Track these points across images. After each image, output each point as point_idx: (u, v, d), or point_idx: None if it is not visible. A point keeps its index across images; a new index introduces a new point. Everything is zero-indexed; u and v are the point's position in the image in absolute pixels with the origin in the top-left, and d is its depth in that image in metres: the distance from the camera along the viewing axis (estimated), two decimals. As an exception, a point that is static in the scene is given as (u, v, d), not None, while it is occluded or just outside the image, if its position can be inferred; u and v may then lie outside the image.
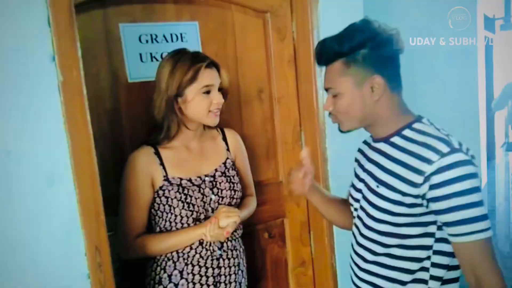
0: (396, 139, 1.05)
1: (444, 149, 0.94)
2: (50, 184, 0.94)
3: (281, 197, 1.86)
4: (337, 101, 1.05)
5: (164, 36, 1.55)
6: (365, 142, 1.24)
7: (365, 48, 1.00)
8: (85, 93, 0.95)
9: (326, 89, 1.09)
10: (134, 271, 1.37)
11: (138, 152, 1.25)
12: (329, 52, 1.04)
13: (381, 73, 1.01)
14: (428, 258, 1.03)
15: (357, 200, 1.16)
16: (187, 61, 1.23)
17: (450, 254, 1.01)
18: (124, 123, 1.47)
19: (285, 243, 1.88)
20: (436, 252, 1.02)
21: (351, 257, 1.21)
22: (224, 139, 1.44)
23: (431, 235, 1.01)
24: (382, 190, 1.03)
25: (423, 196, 0.96)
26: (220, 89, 1.30)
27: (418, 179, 0.95)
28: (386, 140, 1.07)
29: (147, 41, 1.52)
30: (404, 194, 0.98)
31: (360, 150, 1.23)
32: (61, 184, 0.94)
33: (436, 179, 0.92)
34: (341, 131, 1.11)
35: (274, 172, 1.85)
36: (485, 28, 5.97)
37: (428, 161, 0.94)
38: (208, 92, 1.25)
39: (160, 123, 1.26)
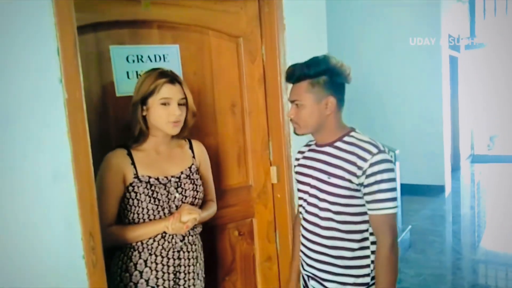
0: (339, 144, 1.40)
1: (374, 150, 1.32)
2: (55, 181, 1.16)
3: (250, 199, 2.09)
4: (300, 111, 1.38)
5: (148, 56, 1.78)
6: (302, 150, 1.57)
7: (326, 75, 1.35)
8: (85, 109, 1.18)
9: (292, 101, 1.42)
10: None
11: (112, 153, 1.45)
12: (299, 73, 1.38)
13: (334, 95, 1.36)
14: (367, 230, 1.38)
15: (305, 192, 1.46)
16: (153, 77, 1.45)
17: None
18: (112, 131, 1.69)
19: (253, 240, 2.11)
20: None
21: (302, 244, 1.48)
22: (191, 148, 1.65)
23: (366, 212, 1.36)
24: (333, 180, 1.36)
25: (361, 184, 1.31)
26: (184, 104, 1.49)
27: (358, 172, 1.31)
28: (331, 144, 1.42)
29: (133, 61, 1.75)
30: (350, 182, 1.32)
31: (301, 155, 1.55)
32: (64, 181, 1.16)
33: (368, 171, 1.29)
34: (296, 134, 1.46)
35: (244, 177, 2.08)
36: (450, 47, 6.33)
37: (364, 159, 1.31)
38: (165, 104, 1.44)
39: (130, 128, 1.47)
